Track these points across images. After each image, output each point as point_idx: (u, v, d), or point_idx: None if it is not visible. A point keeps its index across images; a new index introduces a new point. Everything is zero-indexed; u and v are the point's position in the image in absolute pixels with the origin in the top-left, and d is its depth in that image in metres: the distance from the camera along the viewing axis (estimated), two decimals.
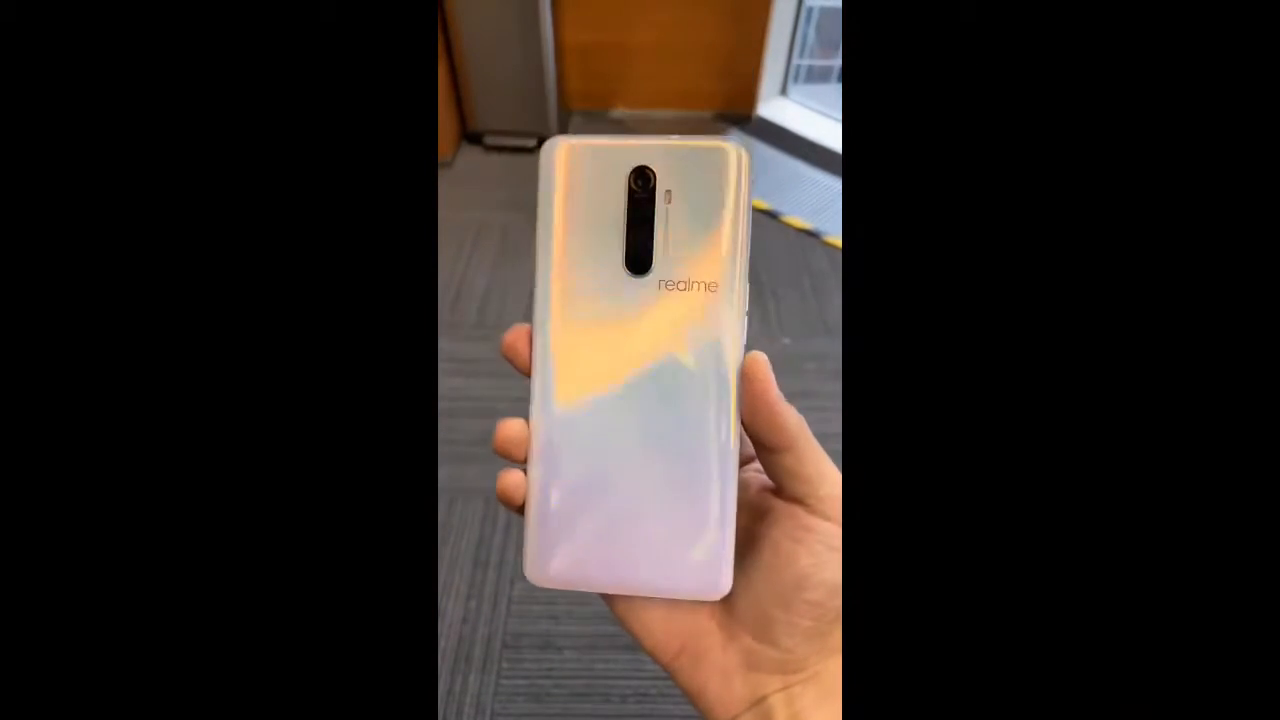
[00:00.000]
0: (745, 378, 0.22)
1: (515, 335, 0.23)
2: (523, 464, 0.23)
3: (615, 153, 0.22)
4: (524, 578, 0.95)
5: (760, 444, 0.22)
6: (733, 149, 0.22)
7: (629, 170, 0.22)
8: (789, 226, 1.70)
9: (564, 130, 2.01)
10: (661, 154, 0.22)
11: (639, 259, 0.22)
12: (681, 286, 0.22)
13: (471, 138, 1.99)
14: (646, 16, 1.93)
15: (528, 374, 0.23)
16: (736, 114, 2.09)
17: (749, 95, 2.06)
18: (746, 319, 0.22)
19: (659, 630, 0.24)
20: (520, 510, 0.23)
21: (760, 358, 0.22)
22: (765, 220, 1.73)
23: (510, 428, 0.23)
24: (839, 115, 2.09)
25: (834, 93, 2.25)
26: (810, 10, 2.12)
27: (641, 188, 0.22)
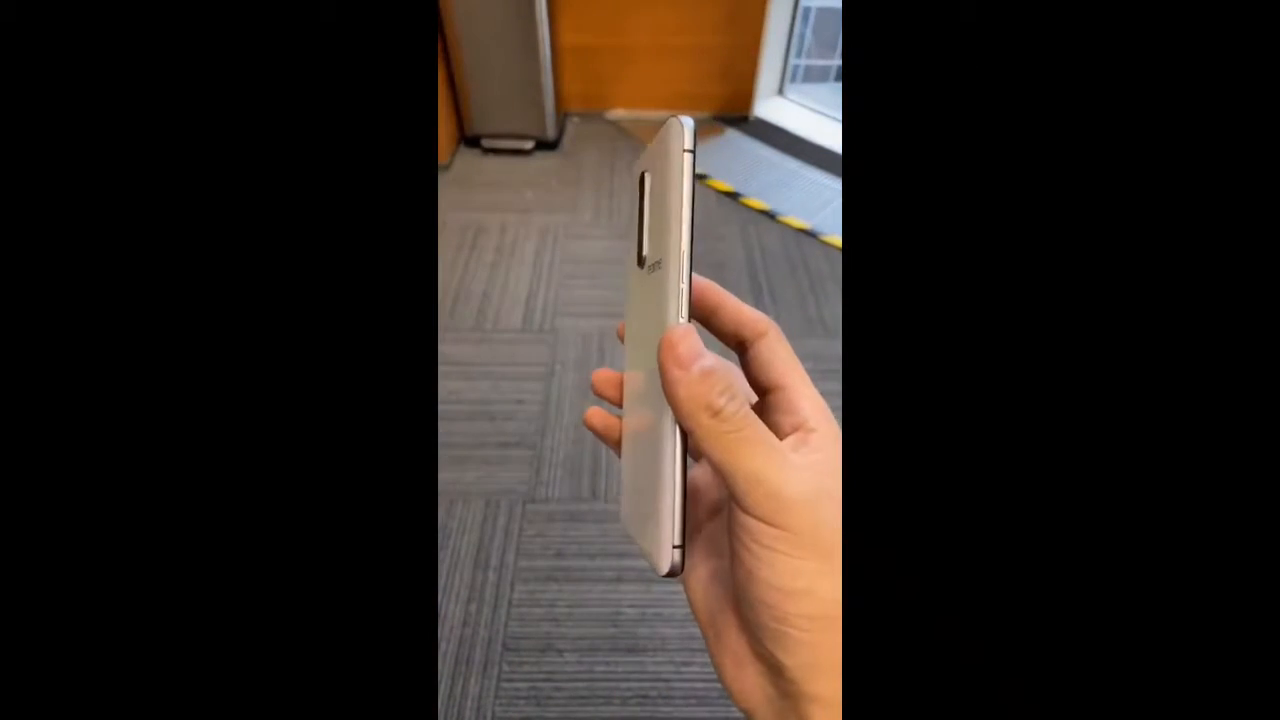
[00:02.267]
0: (695, 295, 0.22)
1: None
2: (614, 400, 0.28)
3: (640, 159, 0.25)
4: (524, 580, 0.95)
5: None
6: (674, 120, 0.22)
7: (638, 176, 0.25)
8: (786, 226, 1.70)
9: (560, 132, 2.01)
10: (649, 151, 0.24)
11: (640, 251, 0.25)
12: (656, 268, 0.23)
13: (469, 141, 2.00)
14: (643, 18, 1.93)
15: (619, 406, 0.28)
16: (734, 115, 2.10)
17: (746, 96, 2.07)
18: (687, 293, 0.22)
19: (699, 596, 0.24)
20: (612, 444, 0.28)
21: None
22: (763, 220, 1.73)
23: (602, 373, 0.28)
24: (836, 115, 2.09)
25: (831, 92, 2.25)
26: (807, 10, 2.13)
27: (642, 189, 0.24)
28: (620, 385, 0.28)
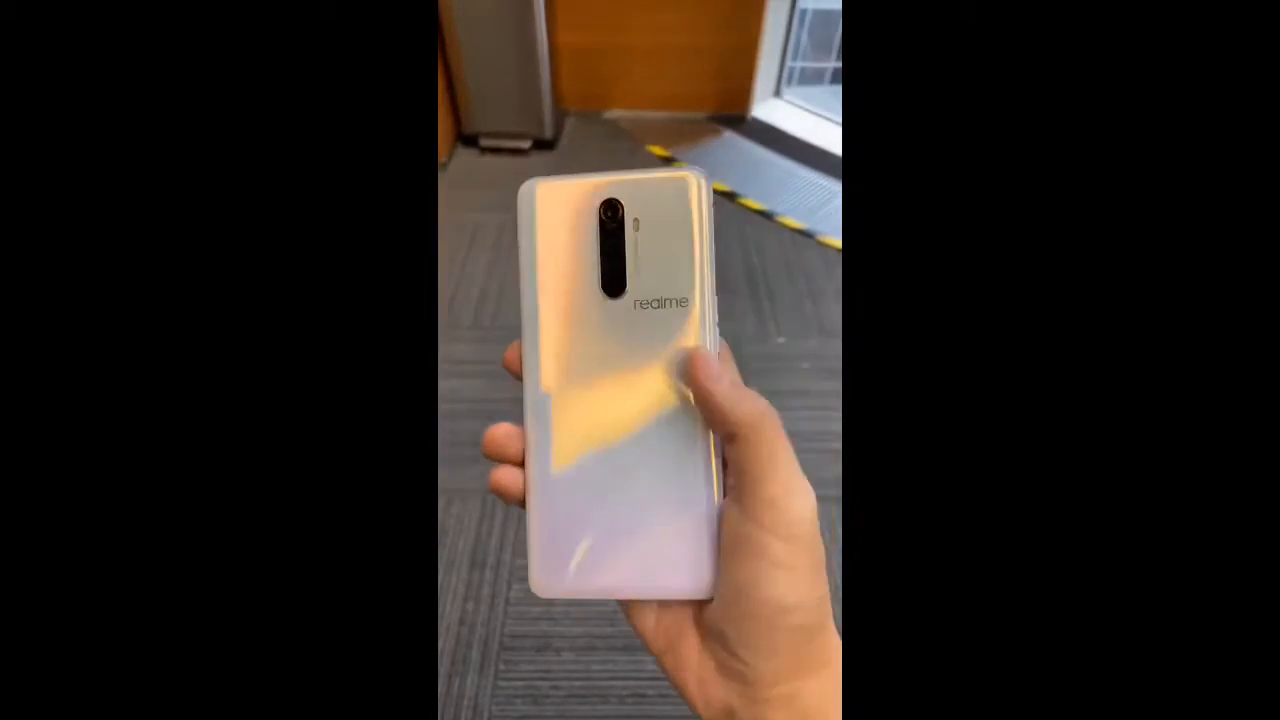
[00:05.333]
0: (684, 371, 0.23)
1: (514, 351, 0.25)
2: (515, 462, 0.25)
3: (586, 189, 0.24)
4: (521, 579, 0.95)
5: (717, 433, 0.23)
6: (693, 178, 0.23)
7: (599, 204, 0.24)
8: (784, 227, 1.70)
9: (558, 131, 2.01)
10: (627, 187, 0.24)
11: (614, 282, 0.24)
12: (654, 304, 0.24)
13: (466, 140, 1.99)
14: (641, 18, 1.93)
15: None
16: (731, 115, 2.10)
17: (743, 96, 2.07)
18: (717, 329, 0.24)
19: (651, 627, 0.25)
20: (520, 504, 0.25)
21: (700, 352, 0.22)
22: (760, 220, 1.73)
23: (499, 430, 0.25)
24: (833, 116, 2.09)
25: (828, 94, 2.25)
26: (804, 12, 2.13)
27: (611, 218, 0.24)
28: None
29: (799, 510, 0.20)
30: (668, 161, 1.93)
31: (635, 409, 0.24)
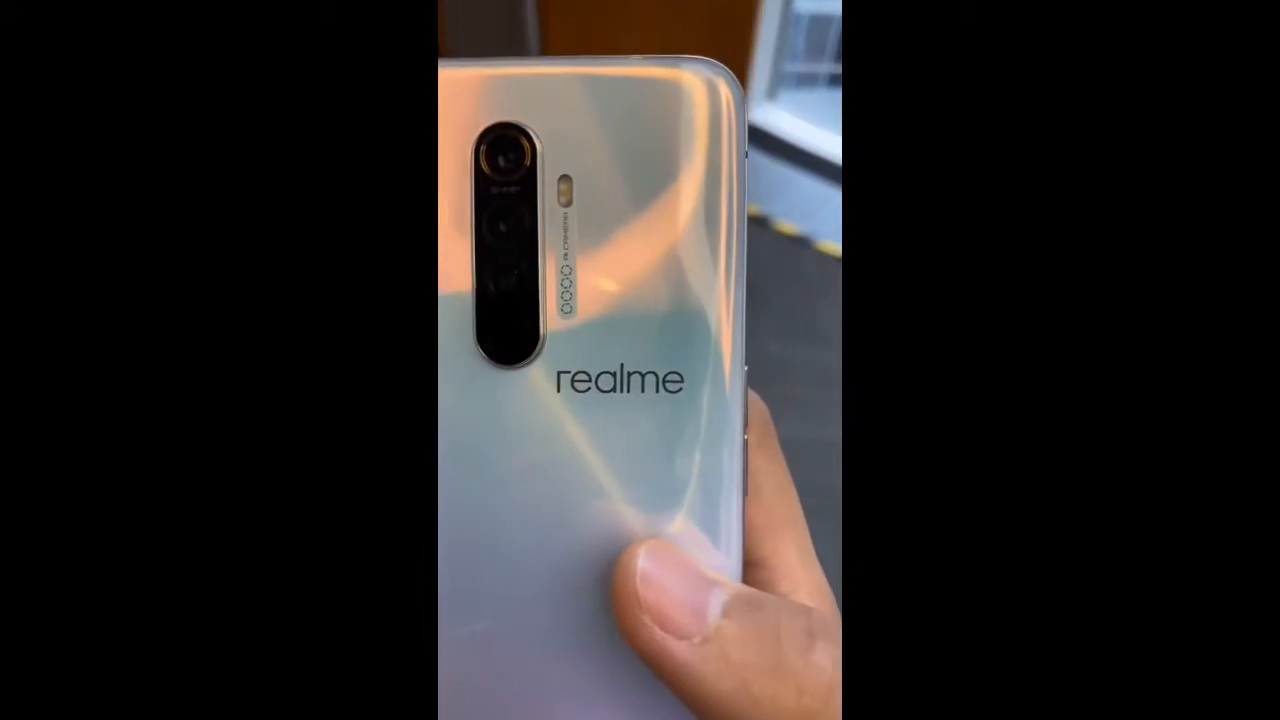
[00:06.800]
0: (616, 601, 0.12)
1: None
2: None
3: (461, 93, 0.11)
4: None
5: None
6: (702, 79, 0.11)
7: (476, 136, 0.11)
8: (779, 233, 1.71)
9: None
10: (549, 96, 0.11)
11: (508, 332, 0.11)
12: (606, 384, 0.11)
13: None
14: (635, 20, 1.95)
15: None
16: None
17: None
18: (745, 440, 0.12)
19: None
20: None
21: (634, 564, 0.11)
22: (755, 226, 1.74)
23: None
24: (828, 121, 2.11)
25: (823, 98, 2.27)
26: (798, 16, 2.15)
27: (504, 173, 0.11)
28: None
29: None
30: None
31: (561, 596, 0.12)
